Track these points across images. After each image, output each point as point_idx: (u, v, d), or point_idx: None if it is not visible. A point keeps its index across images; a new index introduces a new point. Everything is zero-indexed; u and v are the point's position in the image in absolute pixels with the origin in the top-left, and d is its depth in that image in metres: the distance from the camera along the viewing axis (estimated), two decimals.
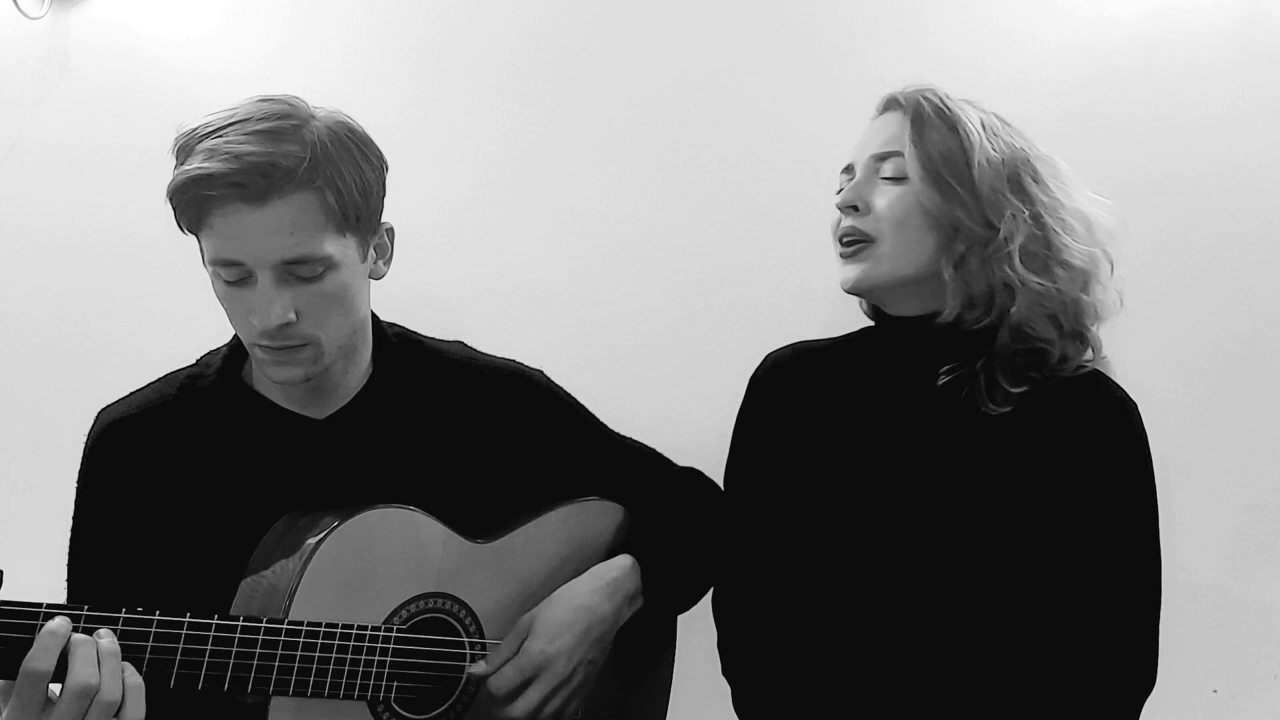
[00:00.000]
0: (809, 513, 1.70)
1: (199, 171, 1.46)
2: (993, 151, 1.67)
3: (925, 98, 1.70)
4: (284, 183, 1.46)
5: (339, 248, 1.52)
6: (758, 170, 2.50)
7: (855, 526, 1.67)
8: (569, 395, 1.82)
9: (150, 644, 1.38)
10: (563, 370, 1.84)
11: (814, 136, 2.47)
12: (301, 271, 1.50)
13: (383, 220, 1.61)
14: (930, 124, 1.68)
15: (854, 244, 1.69)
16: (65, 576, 1.63)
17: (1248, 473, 2.40)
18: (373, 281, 1.64)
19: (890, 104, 1.75)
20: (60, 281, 2.62)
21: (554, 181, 2.54)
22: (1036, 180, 1.69)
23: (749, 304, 2.48)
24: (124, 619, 1.37)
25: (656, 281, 2.51)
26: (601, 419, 1.84)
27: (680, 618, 1.85)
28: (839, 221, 1.72)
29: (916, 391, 1.68)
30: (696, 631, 1.85)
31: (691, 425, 2.03)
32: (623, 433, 1.86)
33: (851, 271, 1.70)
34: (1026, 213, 1.65)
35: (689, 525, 1.77)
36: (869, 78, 2.42)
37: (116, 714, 1.34)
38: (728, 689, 1.78)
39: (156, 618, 1.39)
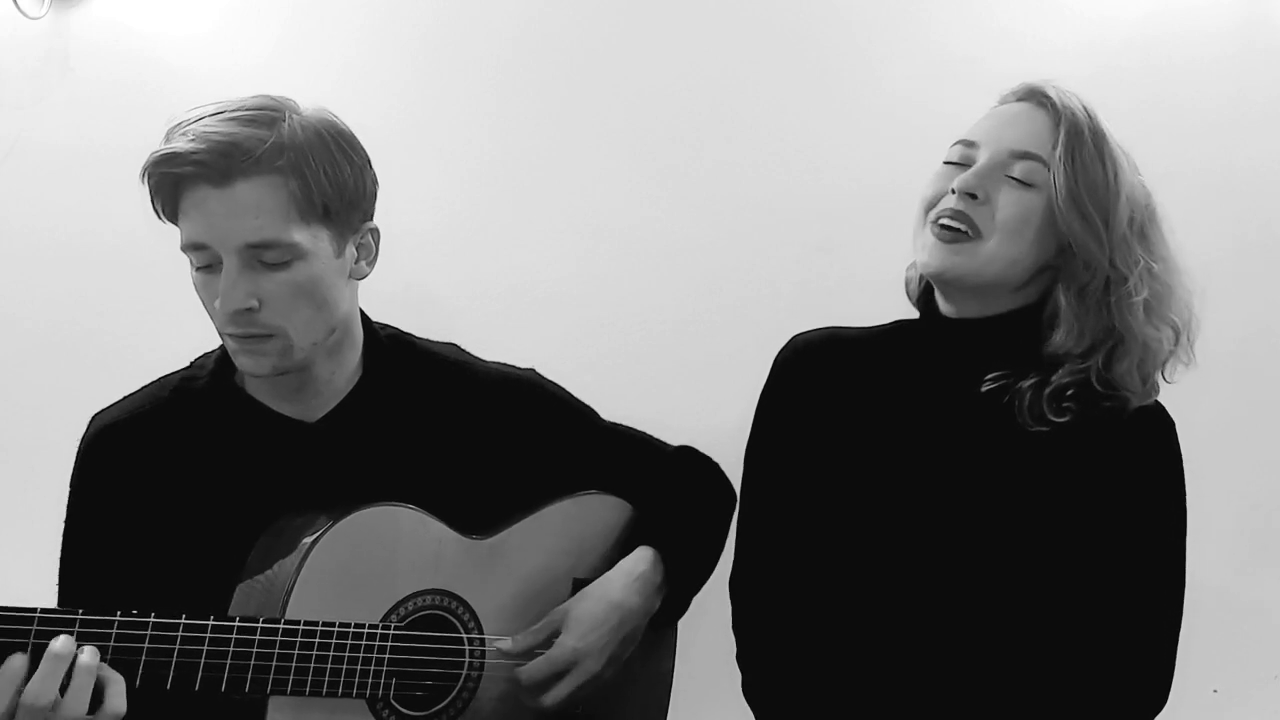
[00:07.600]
0: (835, 504, 1.68)
1: (166, 150, 1.48)
2: (1133, 194, 1.62)
3: (1085, 113, 1.62)
4: (245, 162, 1.47)
5: (307, 237, 1.52)
6: (758, 170, 2.50)
7: (881, 522, 1.65)
8: (560, 389, 1.81)
9: (146, 645, 1.38)
10: (563, 370, 1.84)
11: (814, 136, 2.47)
12: (267, 257, 1.50)
13: (370, 222, 1.61)
14: (1084, 145, 1.60)
15: (957, 231, 1.61)
16: (57, 582, 1.62)
17: (1248, 473, 2.40)
18: (362, 281, 1.63)
19: (1036, 98, 1.65)
20: (60, 281, 2.62)
21: (554, 181, 2.54)
22: (1158, 230, 1.64)
23: (749, 304, 2.47)
24: (119, 621, 1.37)
25: (656, 281, 2.51)
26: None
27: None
28: (935, 195, 1.64)
29: (956, 392, 1.66)
30: (698, 629, 1.84)
31: (692, 425, 2.02)
32: None
33: (945, 259, 1.61)
34: (1155, 266, 1.61)
35: (698, 509, 1.77)
36: (869, 78, 2.44)
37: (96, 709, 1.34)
38: (729, 686, 1.77)
39: (152, 619, 1.39)
